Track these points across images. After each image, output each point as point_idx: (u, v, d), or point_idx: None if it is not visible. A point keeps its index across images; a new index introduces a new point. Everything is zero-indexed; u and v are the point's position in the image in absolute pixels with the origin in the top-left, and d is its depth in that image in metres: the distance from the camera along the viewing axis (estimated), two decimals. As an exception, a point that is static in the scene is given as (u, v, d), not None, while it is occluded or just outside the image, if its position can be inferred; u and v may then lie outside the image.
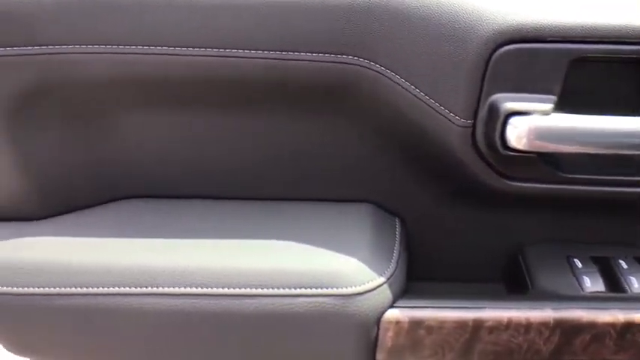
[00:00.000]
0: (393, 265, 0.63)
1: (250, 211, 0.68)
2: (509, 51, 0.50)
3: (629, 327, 0.62)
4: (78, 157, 0.65)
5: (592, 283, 0.66)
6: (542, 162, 0.56)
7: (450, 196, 0.68)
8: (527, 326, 0.62)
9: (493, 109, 0.52)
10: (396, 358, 0.65)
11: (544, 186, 0.59)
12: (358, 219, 0.67)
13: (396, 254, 0.65)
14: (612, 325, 0.62)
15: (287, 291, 0.59)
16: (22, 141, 0.62)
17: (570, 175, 0.58)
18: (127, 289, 0.60)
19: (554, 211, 0.70)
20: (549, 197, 0.63)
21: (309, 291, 0.59)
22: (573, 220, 0.71)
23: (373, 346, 0.64)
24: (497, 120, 0.53)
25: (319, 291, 0.59)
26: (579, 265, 0.69)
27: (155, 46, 0.56)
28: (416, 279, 0.71)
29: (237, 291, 0.59)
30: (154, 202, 0.69)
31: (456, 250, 0.73)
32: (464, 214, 0.70)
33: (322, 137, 0.64)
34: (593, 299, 0.64)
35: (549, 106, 0.52)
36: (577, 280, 0.67)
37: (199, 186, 0.69)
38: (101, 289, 0.61)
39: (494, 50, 0.50)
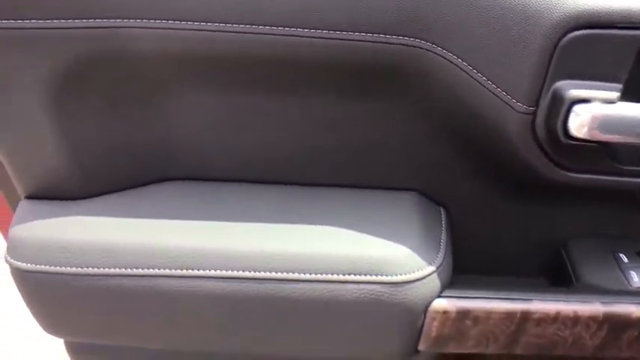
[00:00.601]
0: (441, 254, 0.62)
1: (295, 196, 0.67)
2: (578, 36, 0.49)
3: None
4: (122, 136, 0.64)
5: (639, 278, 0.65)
6: (602, 153, 0.55)
7: (496, 186, 0.67)
8: (574, 319, 0.61)
9: (557, 96, 0.51)
10: (438, 348, 0.64)
11: (601, 177, 0.58)
12: (404, 207, 0.66)
13: (443, 244, 0.64)
14: None
15: (336, 277, 0.59)
16: (67, 118, 0.61)
17: (628, 167, 0.57)
18: (170, 270, 0.60)
19: (601, 205, 0.69)
20: (602, 190, 0.62)
21: (358, 277, 0.59)
22: (619, 215, 0.70)
23: (417, 335, 0.63)
24: (561, 107, 0.51)
25: (369, 278, 0.59)
26: (625, 259, 0.68)
27: (207, 22, 0.55)
28: (458, 272, 0.70)
29: (284, 275, 0.59)
30: (198, 184, 0.68)
31: (499, 243, 0.72)
32: (509, 207, 0.69)
33: (370, 122, 0.63)
34: (642, 294, 0.63)
35: (615, 95, 0.51)
36: (624, 274, 0.66)
37: (244, 170, 0.68)
38: (142, 270, 0.60)
39: (564, 35, 0.49)
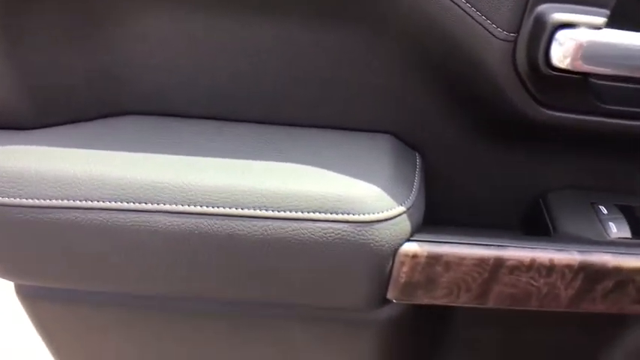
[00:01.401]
0: (413, 197, 0.59)
1: (263, 133, 0.63)
2: None
3: None
4: (73, 63, 0.59)
5: (618, 229, 0.63)
6: (585, 89, 0.52)
7: (474, 131, 0.64)
8: (550, 268, 0.59)
9: (539, 21, 0.48)
10: (407, 296, 0.61)
11: (583, 117, 0.55)
12: (377, 148, 0.63)
13: (416, 186, 0.61)
14: (638, 271, 0.59)
15: (301, 214, 0.55)
16: (16, 40, 0.56)
17: (612, 107, 0.54)
18: (125, 204, 0.56)
19: (581, 157, 0.67)
20: (583, 137, 0.59)
21: (324, 216, 0.55)
22: (600, 167, 0.67)
23: (386, 281, 0.60)
24: (543, 33, 0.48)
25: (335, 216, 0.55)
26: (604, 211, 0.65)
27: None
28: (432, 221, 0.67)
29: (245, 212, 0.55)
30: (157, 119, 0.64)
31: (476, 193, 0.69)
32: (488, 155, 0.66)
33: (346, 55, 0.59)
34: (620, 244, 0.61)
35: (601, 20, 0.48)
36: (602, 225, 0.64)
37: (208, 106, 0.64)
38: (96, 202, 0.56)
39: None
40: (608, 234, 0.63)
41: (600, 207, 0.66)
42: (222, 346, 0.72)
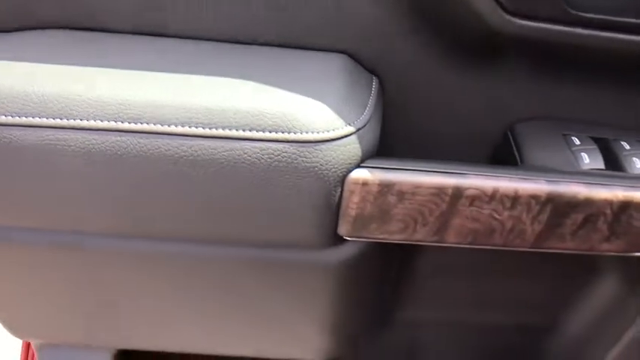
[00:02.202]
0: (365, 118, 0.53)
1: (205, 50, 0.56)
2: None
3: (626, 207, 0.54)
4: None
5: (591, 160, 0.58)
6: None
7: (436, 50, 0.58)
8: (515, 198, 0.53)
9: None
10: (360, 231, 0.56)
11: (554, 27, 0.49)
12: (328, 67, 0.56)
13: (370, 108, 0.54)
14: (610, 204, 0.54)
15: (235, 133, 0.49)
16: None
17: (582, 14, 0.48)
18: (38, 119, 0.49)
19: (554, 82, 0.61)
20: (554, 51, 0.53)
21: (261, 134, 0.49)
22: (573, 96, 0.62)
23: (335, 214, 0.55)
24: None
25: (274, 135, 0.49)
26: (577, 142, 0.60)
27: None
28: (390, 156, 0.61)
29: (171, 129, 0.49)
30: (84, 33, 0.57)
31: (438, 124, 0.64)
32: (449, 78, 0.60)
33: None
34: (591, 175, 0.56)
35: None
36: (574, 156, 0.58)
37: (136, 20, 0.57)
38: (6, 117, 0.49)
39: None
40: (579, 165, 0.57)
41: (573, 138, 0.60)
42: (167, 289, 0.67)
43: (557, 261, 0.76)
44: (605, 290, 0.76)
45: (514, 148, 0.61)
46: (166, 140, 0.49)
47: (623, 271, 0.73)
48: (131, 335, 0.74)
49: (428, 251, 0.72)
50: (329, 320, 0.70)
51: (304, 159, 0.49)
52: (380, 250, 0.64)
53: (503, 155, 0.63)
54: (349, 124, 0.51)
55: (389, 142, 0.62)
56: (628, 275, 0.72)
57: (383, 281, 0.73)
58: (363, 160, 0.53)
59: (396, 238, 0.57)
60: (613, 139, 0.61)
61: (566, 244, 0.57)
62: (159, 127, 0.49)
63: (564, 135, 0.61)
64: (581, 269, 0.76)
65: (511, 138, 0.62)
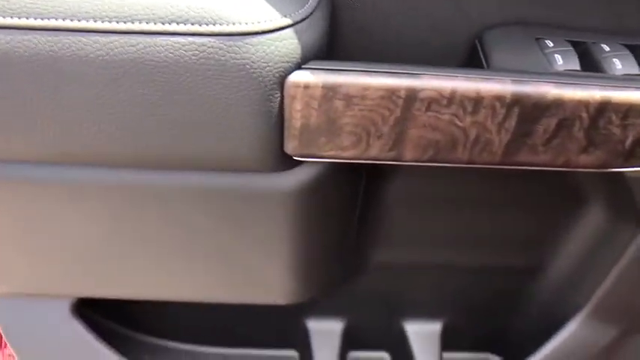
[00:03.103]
0: (305, 11, 0.47)
1: None
2: None
3: (604, 109, 0.48)
4: None
5: (565, 61, 0.52)
6: None
7: None
8: (477, 101, 0.47)
9: None
10: (308, 148, 0.51)
11: None
12: None
13: (312, 1, 0.48)
14: (585, 106, 0.48)
15: (153, 26, 0.43)
16: None
17: None
18: None
19: None
20: None
21: (183, 27, 0.43)
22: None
23: (279, 128, 0.49)
24: None
25: (197, 28, 0.43)
26: (550, 44, 0.54)
27: None
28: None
29: (80, 24, 0.43)
30: None
31: (401, 31, 0.57)
32: None
33: None
34: (565, 75, 0.50)
35: None
36: (547, 58, 0.52)
37: None
38: None
39: None
40: (552, 67, 0.51)
41: (546, 41, 0.54)
42: (117, 227, 0.62)
43: (540, 194, 0.70)
44: (591, 222, 0.70)
45: (482, 55, 0.55)
46: (76, 38, 0.43)
47: (609, 199, 0.67)
48: (88, 282, 0.70)
49: (395, 179, 0.67)
50: (290, 259, 0.65)
51: (233, 55, 0.44)
52: (339, 176, 0.59)
53: (470, 66, 0.57)
54: (285, 16, 0.45)
55: (342, 57, 0.57)
56: (614, 203, 0.66)
57: (347, 215, 0.68)
58: (304, 61, 0.47)
59: (350, 154, 0.51)
60: (592, 42, 0.55)
61: (539, 157, 0.52)
62: (67, 23, 0.43)
63: (537, 39, 0.55)
64: (566, 201, 0.70)
65: (479, 46, 0.56)
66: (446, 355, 0.93)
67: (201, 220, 0.61)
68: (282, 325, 0.89)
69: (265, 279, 0.68)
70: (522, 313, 0.85)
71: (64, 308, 0.75)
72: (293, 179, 0.57)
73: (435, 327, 0.88)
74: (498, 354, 0.93)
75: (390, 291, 0.84)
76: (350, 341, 0.90)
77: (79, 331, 0.75)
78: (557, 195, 0.69)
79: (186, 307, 0.86)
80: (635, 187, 0.58)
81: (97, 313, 0.84)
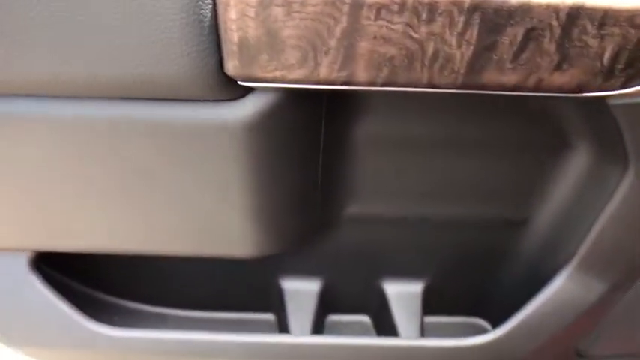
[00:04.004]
0: None
1: None
2: None
3: (577, 15, 0.43)
4: None
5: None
6: None
7: None
8: (431, 6, 0.42)
9: None
10: (251, 68, 0.46)
11: None
12: None
13: None
14: (555, 11, 0.43)
15: None
16: None
17: None
18: None
19: None
20: None
21: None
22: None
23: (214, 43, 0.45)
24: None
25: None
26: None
27: None
28: None
29: None
30: None
31: None
32: None
33: None
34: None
35: None
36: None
37: None
38: None
39: None
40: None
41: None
42: (70, 169, 0.58)
43: (522, 137, 0.65)
44: (578, 166, 0.65)
45: None
46: None
47: (595, 139, 0.61)
48: (43, 234, 0.66)
49: (360, 118, 0.62)
50: (249, 205, 0.61)
51: None
52: (295, 109, 0.54)
53: None
54: None
55: None
56: (600, 142, 0.61)
57: (309, 158, 0.63)
58: None
59: (298, 75, 0.47)
60: None
61: (508, 77, 0.46)
62: None
63: None
64: (550, 144, 0.65)
65: None
66: (429, 319, 0.89)
67: (153, 160, 0.57)
68: (256, 286, 0.84)
69: (225, 228, 0.63)
70: (508, 271, 0.80)
71: (23, 262, 0.72)
72: (242, 111, 0.52)
73: (416, 288, 0.83)
74: (485, 318, 0.88)
75: (367, 249, 0.79)
76: (328, 304, 0.86)
77: (37, 286, 0.72)
78: (541, 138, 0.64)
79: (157, 269, 0.82)
80: (620, 118, 0.53)
81: (65, 275, 0.80)
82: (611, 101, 0.51)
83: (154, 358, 0.74)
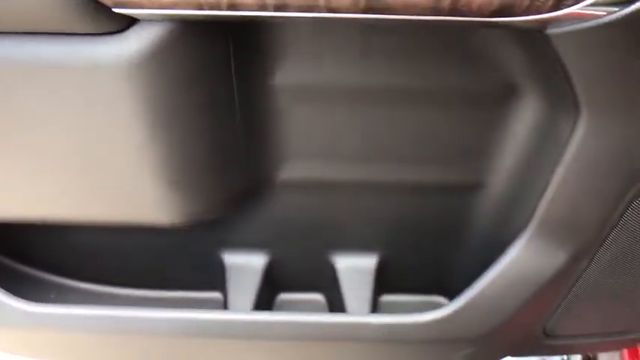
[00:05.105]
0: None
1: None
2: None
3: None
4: None
5: None
6: None
7: None
8: None
9: None
10: None
11: None
12: None
13: None
14: None
15: None
16: None
17: None
18: None
19: None
20: None
21: None
22: None
23: None
24: None
25: None
26: None
27: None
28: None
29: None
30: None
31: None
32: None
33: None
34: None
35: None
36: None
37: None
38: None
39: None
40: None
41: None
42: None
43: (468, 88, 0.58)
44: (528, 117, 0.58)
45: None
46: None
47: (542, 82, 0.54)
48: None
49: (278, 63, 0.55)
50: (156, 162, 0.55)
51: None
52: (190, 46, 0.48)
53: None
54: None
55: None
56: (549, 87, 0.54)
57: (218, 107, 0.56)
58: None
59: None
60: None
61: None
62: None
63: None
64: (499, 96, 0.58)
65: None
66: (387, 298, 0.82)
67: (42, 107, 0.51)
68: (198, 262, 0.79)
69: (134, 189, 0.58)
70: (467, 244, 0.73)
71: None
72: (125, 46, 0.46)
73: (368, 262, 0.77)
74: (447, 296, 0.81)
75: (313, 220, 0.73)
76: (277, 281, 0.80)
77: None
78: (486, 86, 0.57)
79: (92, 244, 0.77)
80: (563, 54, 0.46)
81: None
82: (550, 31, 0.44)
83: (78, 335, 0.69)
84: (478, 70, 0.56)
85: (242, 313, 0.68)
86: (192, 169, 0.57)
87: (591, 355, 1.12)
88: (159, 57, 0.47)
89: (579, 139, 0.52)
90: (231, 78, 0.54)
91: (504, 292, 0.65)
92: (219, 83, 0.54)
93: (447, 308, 0.67)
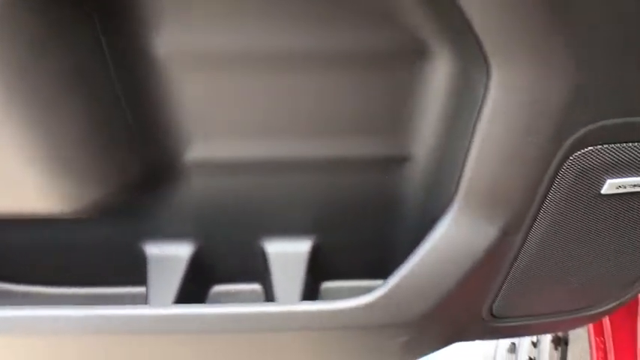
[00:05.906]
0: None
1: None
2: None
3: None
4: None
5: None
6: None
7: None
8: None
9: None
10: None
11: None
12: None
13: None
14: None
15: None
16: None
17: None
18: None
19: None
20: None
21: None
22: None
23: None
24: None
25: None
26: None
27: None
28: None
29: None
30: None
31: None
32: None
33: None
34: None
35: None
36: None
37: None
38: None
39: None
40: None
41: None
42: None
43: (372, 49, 0.52)
44: (441, 81, 0.52)
45: None
46: None
47: (450, 38, 0.49)
48: None
49: (159, 28, 0.49)
50: (27, 142, 0.49)
51: None
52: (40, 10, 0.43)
53: None
54: None
55: None
56: (458, 43, 0.48)
57: (93, 84, 0.50)
58: None
59: None
60: None
61: None
62: None
63: None
64: (405, 55, 0.52)
65: None
66: (328, 285, 0.77)
67: None
68: (121, 256, 0.73)
69: (9, 175, 0.52)
70: (401, 223, 0.68)
71: None
72: None
73: (301, 247, 0.72)
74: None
75: (238, 204, 0.68)
76: (208, 272, 0.75)
77: None
78: (395, 47, 0.52)
79: (11, 241, 0.72)
80: (466, 6, 0.41)
81: None
82: None
83: None
84: (385, 30, 0.51)
85: (151, 307, 0.64)
86: (72, 150, 0.51)
87: (561, 335, 1.08)
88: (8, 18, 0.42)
89: (493, 97, 0.47)
90: (98, 45, 0.49)
91: (436, 271, 0.60)
92: (80, 50, 0.48)
93: (377, 291, 0.61)
